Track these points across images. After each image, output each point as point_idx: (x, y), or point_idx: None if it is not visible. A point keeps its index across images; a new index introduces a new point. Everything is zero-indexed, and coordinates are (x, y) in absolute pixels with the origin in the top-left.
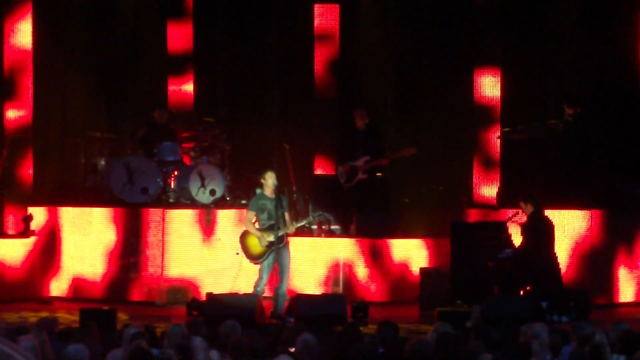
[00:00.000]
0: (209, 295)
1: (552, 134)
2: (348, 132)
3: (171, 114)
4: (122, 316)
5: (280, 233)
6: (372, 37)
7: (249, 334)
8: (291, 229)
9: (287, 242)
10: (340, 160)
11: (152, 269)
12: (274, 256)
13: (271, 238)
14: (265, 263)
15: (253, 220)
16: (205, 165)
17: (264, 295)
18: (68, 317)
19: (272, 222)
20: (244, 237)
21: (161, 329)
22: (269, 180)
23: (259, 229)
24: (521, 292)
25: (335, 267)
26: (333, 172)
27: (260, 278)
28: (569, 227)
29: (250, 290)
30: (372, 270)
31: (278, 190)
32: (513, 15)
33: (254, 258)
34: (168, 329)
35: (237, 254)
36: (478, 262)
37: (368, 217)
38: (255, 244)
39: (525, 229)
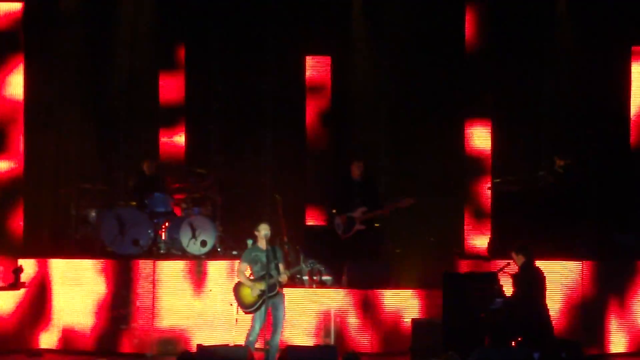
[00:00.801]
0: (200, 347)
1: (542, 185)
2: (344, 182)
3: (160, 165)
4: None
5: (272, 281)
6: (364, 88)
7: None
8: (283, 277)
9: (283, 294)
10: (337, 211)
11: (142, 320)
12: (266, 306)
13: (262, 287)
14: (257, 313)
15: (247, 272)
16: (196, 216)
17: (255, 346)
18: None
19: (264, 272)
20: (237, 288)
21: None
22: (262, 231)
23: (252, 280)
24: (513, 343)
25: (326, 317)
26: (325, 223)
27: (252, 328)
28: (561, 277)
29: (242, 341)
30: (364, 321)
31: (271, 241)
32: (504, 66)
33: (246, 307)
34: None
35: (231, 305)
36: (470, 313)
37: (359, 267)
38: (248, 294)
39: (517, 280)
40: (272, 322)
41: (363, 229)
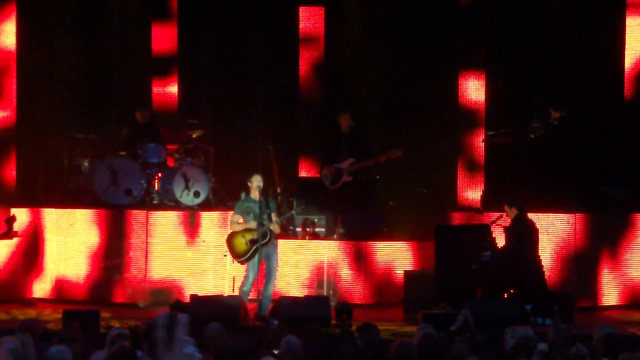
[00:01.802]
0: (193, 297)
1: (535, 137)
2: (333, 134)
3: (154, 115)
4: (105, 315)
5: (263, 230)
6: (357, 39)
7: (233, 335)
8: (274, 225)
9: (276, 244)
10: (325, 162)
11: (135, 270)
12: (259, 255)
13: (254, 235)
14: (251, 262)
15: (239, 222)
16: (189, 167)
17: (249, 297)
18: (52, 318)
19: (257, 222)
20: (230, 239)
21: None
22: (255, 182)
23: (244, 228)
24: (505, 295)
25: (319, 269)
26: (318, 175)
27: (246, 277)
28: (553, 230)
29: (236, 291)
30: (357, 273)
31: (264, 192)
32: (498, 17)
33: (238, 256)
34: (151, 320)
35: (225, 255)
36: (462, 265)
37: (353, 219)
38: (241, 243)
39: (509, 232)
40: (265, 272)
41: (350, 180)
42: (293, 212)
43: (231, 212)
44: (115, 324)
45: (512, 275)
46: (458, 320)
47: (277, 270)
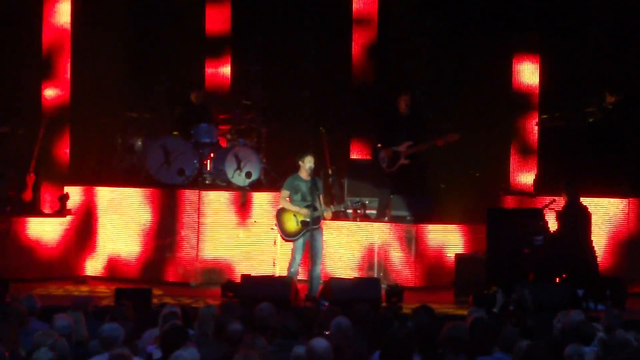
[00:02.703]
0: (244, 277)
1: (589, 121)
2: (390, 116)
3: (207, 96)
4: (157, 293)
5: (317, 214)
6: (411, 21)
7: (284, 316)
8: (328, 213)
9: (321, 226)
10: (382, 145)
11: (187, 250)
12: (306, 237)
13: (307, 218)
14: (298, 243)
15: (287, 199)
16: (241, 147)
17: (298, 277)
18: (104, 296)
19: (306, 203)
20: (280, 214)
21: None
22: (307, 163)
23: (297, 206)
24: (557, 280)
25: (370, 251)
26: (369, 157)
27: (292, 259)
28: (606, 215)
29: (284, 272)
30: (407, 255)
31: (314, 173)
32: None
33: (288, 235)
34: (200, 309)
35: (272, 228)
36: (514, 248)
37: (404, 201)
38: (291, 221)
39: (561, 216)
40: (311, 254)
41: (407, 163)
42: (348, 203)
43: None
44: (168, 302)
45: (564, 259)
46: (498, 300)
47: (323, 250)
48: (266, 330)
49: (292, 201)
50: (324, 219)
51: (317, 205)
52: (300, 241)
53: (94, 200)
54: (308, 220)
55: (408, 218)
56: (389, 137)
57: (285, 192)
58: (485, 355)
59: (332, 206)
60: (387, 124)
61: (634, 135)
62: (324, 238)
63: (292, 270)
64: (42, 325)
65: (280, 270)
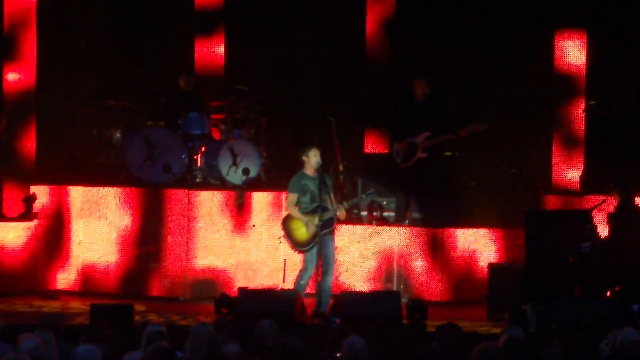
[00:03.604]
0: (242, 290)
1: None
2: (406, 103)
3: (199, 81)
4: (139, 310)
5: (328, 216)
6: None
7: (287, 335)
8: (341, 211)
9: (334, 229)
10: (396, 136)
11: (174, 259)
12: (319, 244)
13: (317, 221)
14: (311, 253)
15: (296, 203)
16: (237, 140)
17: (305, 291)
18: (78, 313)
19: (315, 204)
20: (287, 222)
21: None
22: (313, 158)
23: (306, 213)
24: (608, 293)
25: (388, 260)
26: (387, 150)
27: (303, 269)
28: None
29: (291, 284)
30: (432, 265)
31: (322, 169)
32: None
33: (299, 245)
34: (192, 328)
35: (280, 240)
36: (557, 256)
37: (428, 202)
38: (301, 230)
39: (613, 219)
40: (323, 262)
41: (425, 157)
42: (363, 195)
43: (285, 192)
44: (152, 319)
45: (617, 269)
46: (530, 317)
47: (335, 258)
48: (267, 352)
49: (301, 204)
50: (338, 220)
51: (328, 204)
52: (313, 250)
53: (65, 201)
54: (319, 224)
55: (416, 217)
56: (403, 128)
57: (293, 197)
58: None
59: (344, 202)
60: (401, 112)
61: None
62: (336, 244)
63: (301, 282)
64: (5, 347)
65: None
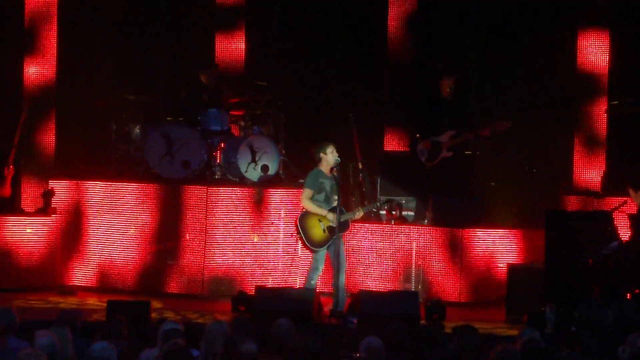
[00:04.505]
0: (259, 288)
1: None
2: (430, 101)
3: (220, 76)
4: (156, 307)
5: (345, 218)
6: None
7: (305, 334)
8: (358, 214)
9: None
10: (421, 134)
11: (192, 256)
12: (331, 245)
13: (333, 223)
14: (322, 252)
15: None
16: (256, 136)
17: (318, 290)
18: (94, 309)
19: (328, 205)
20: (303, 219)
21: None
22: (330, 155)
23: (325, 210)
24: (628, 295)
25: (407, 259)
26: (406, 149)
27: (314, 269)
28: None
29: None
30: (451, 265)
31: (338, 169)
32: None
33: (313, 245)
34: (207, 326)
35: (294, 235)
36: (577, 258)
37: (447, 202)
38: (317, 229)
39: (635, 221)
40: (334, 261)
41: (450, 156)
42: (378, 203)
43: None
44: (169, 317)
45: (638, 271)
46: (548, 318)
47: (345, 256)
48: (284, 351)
49: (313, 201)
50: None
51: (345, 207)
52: (324, 250)
53: (83, 196)
54: (334, 225)
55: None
56: (428, 126)
57: (308, 192)
58: None
59: (361, 208)
60: (426, 110)
61: None
62: (353, 243)
63: (312, 282)
64: (21, 343)
65: (300, 279)
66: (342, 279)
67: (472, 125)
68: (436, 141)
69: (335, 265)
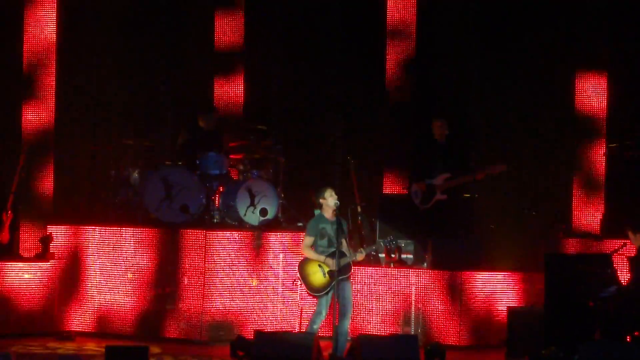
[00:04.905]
0: (258, 333)
1: None
2: (425, 144)
3: (219, 120)
4: (154, 352)
5: (345, 261)
6: (454, 32)
7: None
8: (358, 256)
9: (350, 274)
10: (415, 177)
11: (190, 300)
12: (334, 289)
13: (334, 267)
14: (326, 297)
15: (312, 247)
16: (255, 180)
17: (319, 334)
18: (93, 354)
19: (333, 249)
20: (303, 266)
21: None
22: (330, 199)
23: (323, 256)
24: (628, 338)
25: (406, 303)
26: (406, 192)
27: (317, 313)
28: None
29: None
30: (451, 308)
31: (339, 212)
32: (623, 9)
33: (314, 291)
34: None
35: (295, 283)
36: (577, 301)
37: (446, 244)
38: (317, 273)
39: (634, 264)
40: (340, 305)
41: (445, 199)
42: (380, 242)
43: (303, 234)
44: None
45: (638, 314)
46: None
47: (352, 302)
48: None
49: (317, 247)
50: (354, 264)
51: (345, 250)
52: (329, 294)
53: (81, 241)
54: (334, 269)
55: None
56: (423, 169)
57: (309, 239)
58: None
59: (361, 249)
60: (421, 153)
61: None
62: (353, 286)
63: (314, 326)
64: None
65: (302, 324)
66: (347, 323)
67: (467, 168)
68: (430, 184)
69: (339, 308)
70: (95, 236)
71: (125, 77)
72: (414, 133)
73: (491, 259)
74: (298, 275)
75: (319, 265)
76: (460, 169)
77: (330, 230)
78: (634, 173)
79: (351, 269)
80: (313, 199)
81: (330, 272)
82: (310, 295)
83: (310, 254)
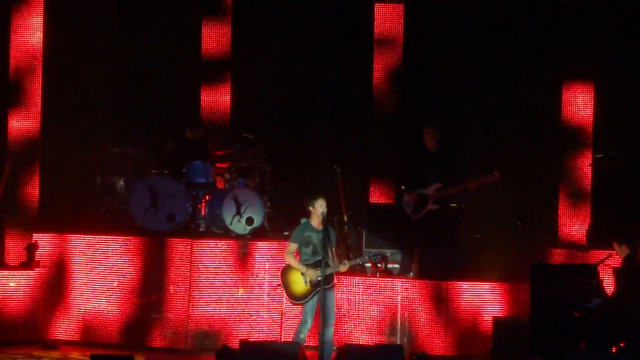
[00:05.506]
0: (243, 342)
1: None
2: (416, 154)
3: (206, 131)
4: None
5: (329, 272)
6: (442, 42)
7: None
8: (342, 268)
9: (334, 284)
10: (407, 187)
11: (176, 309)
12: (318, 297)
13: (317, 277)
14: (309, 305)
15: (294, 254)
16: (241, 189)
17: (305, 343)
18: None
19: (317, 258)
20: (285, 272)
21: None
22: (319, 209)
23: (306, 265)
24: (614, 349)
25: (392, 312)
26: (392, 201)
27: (303, 322)
28: None
29: (291, 336)
30: (437, 318)
31: (326, 221)
32: (609, 19)
33: (296, 299)
34: None
35: (276, 289)
36: (562, 311)
37: (433, 254)
38: (299, 282)
39: (619, 274)
40: (323, 315)
41: (436, 209)
42: (365, 257)
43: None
44: None
45: (623, 325)
46: None
47: (335, 311)
48: None
49: (301, 255)
50: (338, 274)
51: (330, 260)
52: (311, 303)
53: (67, 250)
54: (319, 279)
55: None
56: (414, 178)
57: (293, 246)
58: None
59: (346, 261)
60: (412, 162)
61: None
62: (338, 296)
63: (301, 336)
64: None
65: (287, 333)
66: (330, 332)
67: (460, 178)
68: (422, 194)
69: (322, 317)
70: (80, 244)
71: (112, 84)
72: (401, 143)
73: (477, 269)
74: (280, 282)
75: (302, 274)
76: (451, 178)
77: (315, 239)
78: (620, 184)
79: (334, 279)
80: (305, 204)
81: (313, 282)
82: (292, 302)
83: (292, 260)
